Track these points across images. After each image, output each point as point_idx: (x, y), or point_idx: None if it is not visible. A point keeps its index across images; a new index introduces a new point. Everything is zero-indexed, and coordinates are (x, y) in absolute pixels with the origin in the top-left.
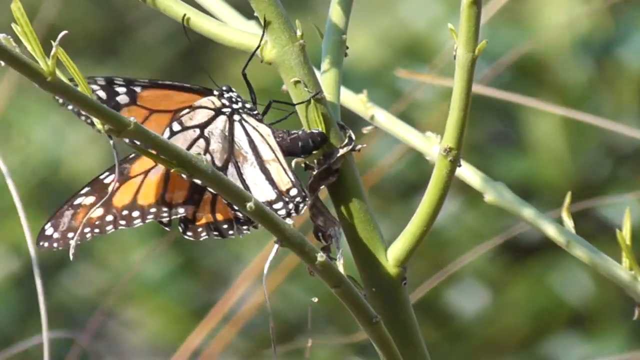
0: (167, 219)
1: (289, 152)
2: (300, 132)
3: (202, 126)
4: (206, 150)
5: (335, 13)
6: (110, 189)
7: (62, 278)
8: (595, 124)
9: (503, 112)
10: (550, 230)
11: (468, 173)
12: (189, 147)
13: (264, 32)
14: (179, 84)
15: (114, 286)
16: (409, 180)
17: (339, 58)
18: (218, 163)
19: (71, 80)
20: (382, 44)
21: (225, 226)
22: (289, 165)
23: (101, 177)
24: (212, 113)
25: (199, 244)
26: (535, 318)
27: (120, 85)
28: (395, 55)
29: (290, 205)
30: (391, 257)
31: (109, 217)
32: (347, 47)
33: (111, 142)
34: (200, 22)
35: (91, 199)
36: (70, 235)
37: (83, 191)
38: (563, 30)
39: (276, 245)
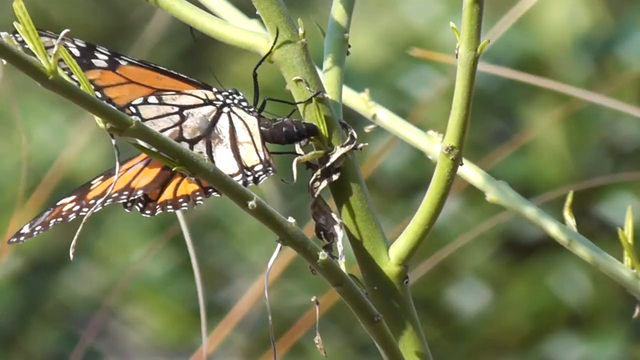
0: (126, 201)
1: (272, 139)
2: (286, 119)
3: (183, 107)
4: (177, 124)
5: (337, 12)
6: (111, 186)
7: (64, 277)
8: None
9: (504, 111)
10: (552, 228)
11: (470, 172)
12: (160, 117)
13: (276, 39)
14: (177, 72)
15: (115, 285)
16: (411, 179)
17: (341, 57)
18: (186, 136)
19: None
20: (384, 42)
21: (180, 200)
22: (264, 148)
23: (92, 181)
24: (200, 101)
25: (201, 243)
26: (535, 318)
27: (103, 54)
28: (396, 54)
29: (250, 178)
30: (393, 255)
31: (76, 208)
32: (349, 46)
33: (113, 141)
34: (202, 21)
35: (71, 198)
36: (38, 228)
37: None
38: (563, 29)
39: (279, 245)
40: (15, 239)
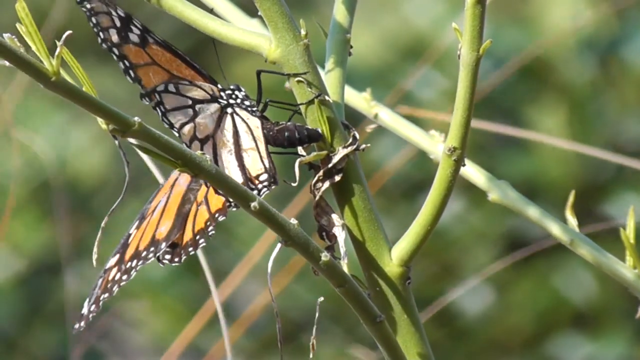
0: (154, 257)
1: (275, 142)
2: (289, 123)
3: (195, 101)
4: (192, 119)
5: (339, 12)
6: (133, 227)
7: (66, 278)
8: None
9: (507, 111)
10: (554, 229)
11: (472, 172)
12: (178, 109)
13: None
14: (192, 61)
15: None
16: (413, 180)
17: (343, 57)
18: (199, 135)
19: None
20: (386, 43)
21: (197, 237)
22: (268, 154)
23: (130, 230)
24: (207, 96)
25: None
26: (539, 318)
27: (136, 27)
28: (398, 54)
29: (255, 192)
30: (395, 256)
31: (117, 276)
32: (352, 47)
33: (116, 142)
34: (204, 22)
35: (115, 259)
36: (92, 309)
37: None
38: (567, 30)
39: (279, 244)
40: (77, 326)
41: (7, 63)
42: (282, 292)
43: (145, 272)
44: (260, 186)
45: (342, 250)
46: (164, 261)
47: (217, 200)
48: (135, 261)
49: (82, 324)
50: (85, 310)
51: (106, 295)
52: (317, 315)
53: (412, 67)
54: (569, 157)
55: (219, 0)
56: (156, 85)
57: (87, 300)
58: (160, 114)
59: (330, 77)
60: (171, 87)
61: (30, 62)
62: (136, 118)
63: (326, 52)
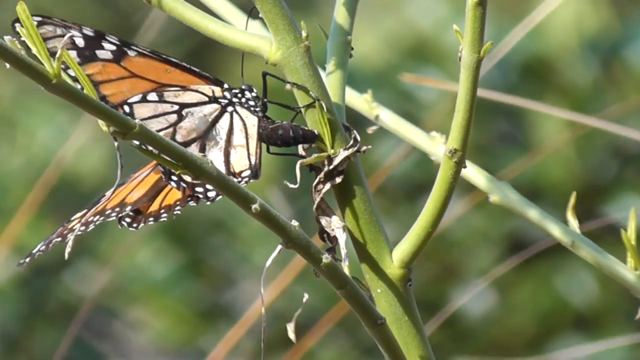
0: (116, 217)
1: (268, 140)
2: (284, 122)
3: (184, 105)
4: (172, 125)
5: (340, 14)
6: (110, 191)
7: (66, 278)
8: (601, 127)
9: (509, 112)
10: (555, 230)
11: (473, 174)
12: (154, 117)
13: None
14: (188, 65)
15: (118, 286)
16: (415, 181)
17: (344, 59)
18: (179, 139)
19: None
20: (388, 44)
21: (162, 211)
22: (258, 152)
23: (107, 192)
24: (204, 99)
25: (205, 245)
26: (541, 319)
27: (111, 43)
28: (400, 56)
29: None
30: (396, 258)
31: (77, 226)
32: (353, 48)
33: (115, 143)
34: (205, 24)
35: (81, 213)
36: (42, 248)
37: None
38: (570, 31)
39: (279, 246)
40: (22, 261)
41: (8, 65)
42: (289, 296)
43: (147, 273)
44: (239, 179)
45: (343, 252)
46: (123, 223)
47: None
48: (98, 217)
49: (27, 260)
50: (34, 250)
51: (59, 239)
52: (300, 309)
53: (414, 69)
54: (570, 158)
55: (220, 1)
56: (128, 97)
57: (40, 243)
58: None
59: (331, 78)
60: (152, 97)
61: (31, 65)
62: (137, 120)
63: (327, 53)
